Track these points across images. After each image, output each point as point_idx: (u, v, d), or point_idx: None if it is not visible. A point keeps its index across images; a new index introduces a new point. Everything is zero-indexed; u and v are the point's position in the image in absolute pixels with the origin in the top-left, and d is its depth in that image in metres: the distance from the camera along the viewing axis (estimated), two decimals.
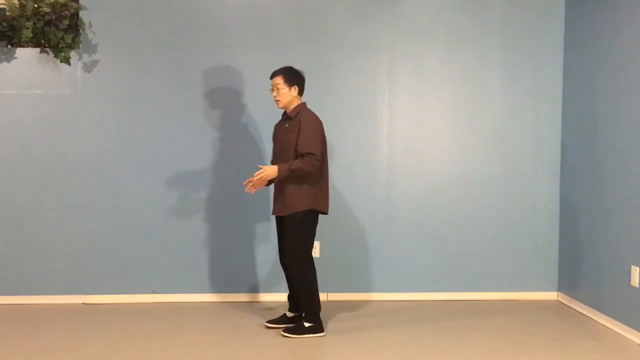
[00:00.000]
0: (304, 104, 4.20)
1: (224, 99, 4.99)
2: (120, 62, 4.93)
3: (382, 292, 5.04)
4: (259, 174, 4.03)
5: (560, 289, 5.14)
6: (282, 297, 5.02)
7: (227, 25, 4.98)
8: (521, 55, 5.09)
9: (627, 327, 4.22)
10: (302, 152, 4.03)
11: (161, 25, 4.94)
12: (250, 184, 4.10)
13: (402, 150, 5.07)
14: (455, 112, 5.11)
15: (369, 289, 5.02)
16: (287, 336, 4.11)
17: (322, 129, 4.14)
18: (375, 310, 4.59)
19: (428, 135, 5.10)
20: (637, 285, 4.12)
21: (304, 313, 4.19)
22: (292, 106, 4.17)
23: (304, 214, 4.09)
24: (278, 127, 4.31)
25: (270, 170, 4.03)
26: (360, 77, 5.02)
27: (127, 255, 4.97)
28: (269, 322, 4.35)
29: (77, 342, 4.05)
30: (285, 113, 4.25)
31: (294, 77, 4.16)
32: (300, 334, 4.12)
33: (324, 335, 4.15)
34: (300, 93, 4.20)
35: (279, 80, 4.15)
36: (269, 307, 4.83)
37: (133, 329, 4.31)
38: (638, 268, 4.11)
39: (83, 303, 4.94)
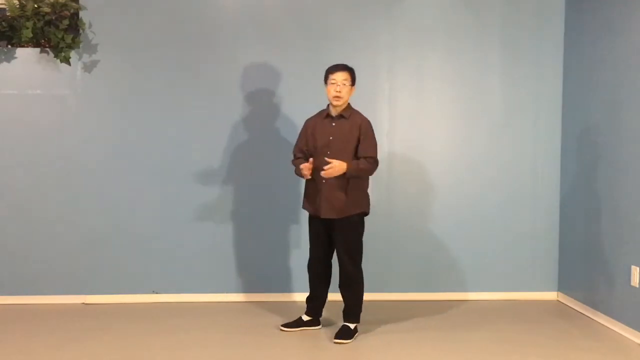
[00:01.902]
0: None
1: (224, 99, 4.99)
2: (120, 62, 4.93)
3: (381, 292, 5.04)
4: (329, 168, 3.91)
5: (560, 289, 5.14)
6: (284, 297, 5.03)
7: (227, 25, 4.98)
8: (521, 55, 5.09)
9: (627, 327, 4.22)
10: (364, 155, 4.03)
11: (161, 25, 4.94)
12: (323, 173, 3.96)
13: (402, 150, 5.07)
14: (455, 112, 5.11)
15: (368, 288, 4.98)
16: (341, 342, 4.04)
17: None
18: (373, 310, 4.59)
19: (428, 135, 5.10)
20: (637, 285, 4.12)
21: (349, 313, 4.16)
22: (345, 105, 4.12)
23: (359, 216, 4.11)
24: (317, 125, 4.16)
25: (340, 166, 3.93)
26: (360, 77, 4.99)
27: (127, 255, 4.97)
28: (284, 325, 4.31)
29: (77, 342, 4.05)
30: (329, 110, 4.14)
31: (355, 77, 4.13)
32: (352, 337, 4.11)
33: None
34: None
35: (347, 76, 4.06)
36: (270, 307, 4.83)
37: (133, 329, 4.31)
38: (638, 268, 4.11)
39: (83, 303, 4.95)
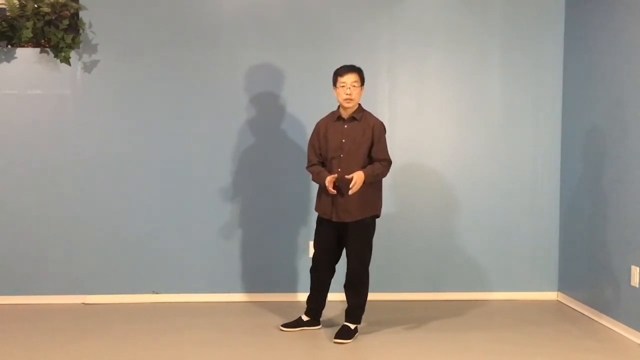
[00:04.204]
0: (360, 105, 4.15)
1: (224, 99, 4.99)
2: (120, 62, 4.93)
3: (381, 292, 5.03)
4: (354, 184, 3.86)
5: (560, 289, 5.14)
6: (284, 297, 5.02)
7: (227, 25, 4.98)
8: (521, 55, 5.09)
9: (627, 327, 4.22)
10: (377, 158, 4.01)
11: (161, 25, 4.94)
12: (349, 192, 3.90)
13: (402, 150, 5.07)
14: (455, 112, 5.10)
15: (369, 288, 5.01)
16: (340, 342, 4.03)
17: None
18: (373, 310, 4.58)
19: (428, 135, 5.09)
20: (637, 285, 4.12)
21: (351, 314, 4.15)
22: (356, 107, 4.08)
23: (371, 219, 4.10)
24: (329, 127, 4.11)
25: (360, 178, 3.87)
26: None
27: (127, 255, 4.97)
28: (284, 325, 4.30)
29: (77, 342, 4.06)
30: (340, 112, 4.09)
31: (364, 77, 4.09)
32: (352, 337, 4.10)
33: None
34: None
35: (356, 77, 4.00)
36: (270, 307, 4.83)
37: (133, 329, 4.31)
38: (638, 268, 4.11)
39: (83, 303, 4.94)
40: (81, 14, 4.86)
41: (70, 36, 4.75)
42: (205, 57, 4.96)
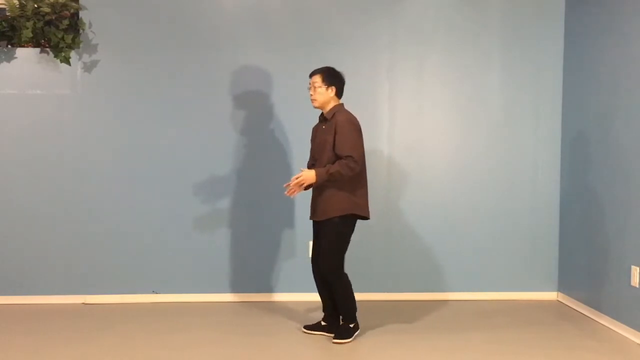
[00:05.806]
0: (340, 105, 4.10)
1: (224, 99, 4.99)
2: (120, 62, 4.93)
3: (381, 292, 5.04)
4: (297, 177, 3.93)
5: (560, 289, 5.14)
6: (283, 297, 5.03)
7: (227, 26, 4.98)
8: (521, 55, 5.09)
9: (627, 327, 4.22)
10: (340, 155, 3.95)
11: (161, 25, 4.94)
12: (289, 187, 3.98)
13: (402, 150, 5.07)
14: (455, 112, 5.11)
15: (368, 288, 5.01)
16: (339, 342, 4.03)
17: (360, 130, 4.04)
18: (373, 311, 4.59)
19: (428, 135, 5.10)
20: (637, 285, 4.12)
21: (342, 315, 4.13)
22: (329, 107, 4.08)
23: (340, 219, 4.01)
24: (316, 129, 4.21)
25: (308, 175, 3.92)
26: (360, 77, 5.02)
27: (127, 255, 4.97)
28: (305, 327, 4.27)
29: (77, 342, 4.06)
30: (322, 115, 4.15)
31: (332, 77, 4.07)
32: (350, 337, 4.08)
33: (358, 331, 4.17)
34: (338, 95, 4.09)
35: (317, 79, 4.06)
36: (270, 307, 4.83)
37: (133, 329, 4.31)
38: (638, 268, 4.11)
39: (83, 303, 4.95)
40: (81, 14, 4.86)
41: (70, 36, 4.75)
42: (205, 57, 4.96)
